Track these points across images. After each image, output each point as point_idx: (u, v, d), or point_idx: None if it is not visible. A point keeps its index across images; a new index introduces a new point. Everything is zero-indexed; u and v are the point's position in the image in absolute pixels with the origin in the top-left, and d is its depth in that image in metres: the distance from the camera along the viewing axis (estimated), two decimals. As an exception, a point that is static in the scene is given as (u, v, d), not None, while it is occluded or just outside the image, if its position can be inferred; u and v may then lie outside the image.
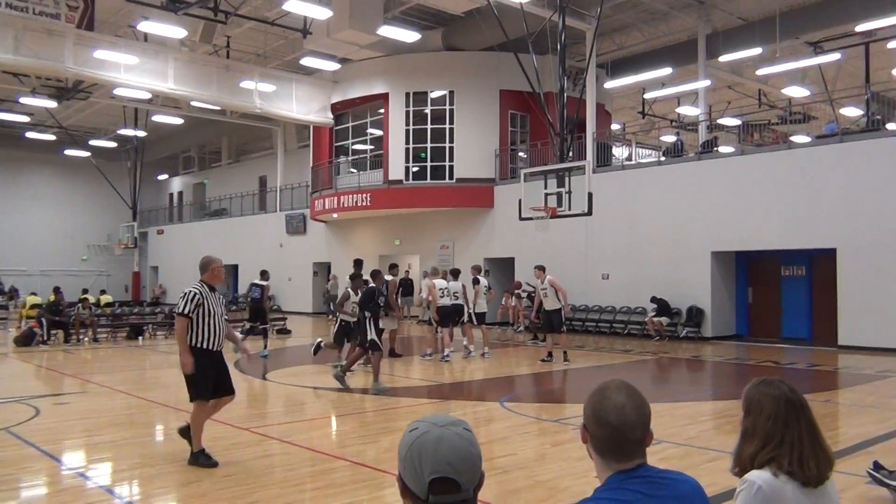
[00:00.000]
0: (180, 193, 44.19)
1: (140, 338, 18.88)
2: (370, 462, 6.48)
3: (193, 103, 26.66)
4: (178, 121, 31.83)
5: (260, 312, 15.41)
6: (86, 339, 18.27)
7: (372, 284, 10.66)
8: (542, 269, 13.85)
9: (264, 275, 15.75)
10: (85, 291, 22.22)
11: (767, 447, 2.26)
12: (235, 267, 35.00)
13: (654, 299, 18.34)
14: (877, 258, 15.39)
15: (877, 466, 5.43)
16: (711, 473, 5.86)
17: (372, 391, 10.13)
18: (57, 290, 19.48)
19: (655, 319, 18.24)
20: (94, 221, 42.15)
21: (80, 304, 18.48)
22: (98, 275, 41.88)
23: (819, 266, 17.32)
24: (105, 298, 22.80)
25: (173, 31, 19.49)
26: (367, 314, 10.29)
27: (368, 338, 10.24)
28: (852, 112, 25.38)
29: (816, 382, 11.89)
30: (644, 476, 1.93)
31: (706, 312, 18.18)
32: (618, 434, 1.92)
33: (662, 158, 22.03)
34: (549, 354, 13.77)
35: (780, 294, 18.32)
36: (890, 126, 17.97)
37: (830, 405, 9.67)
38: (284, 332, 20.49)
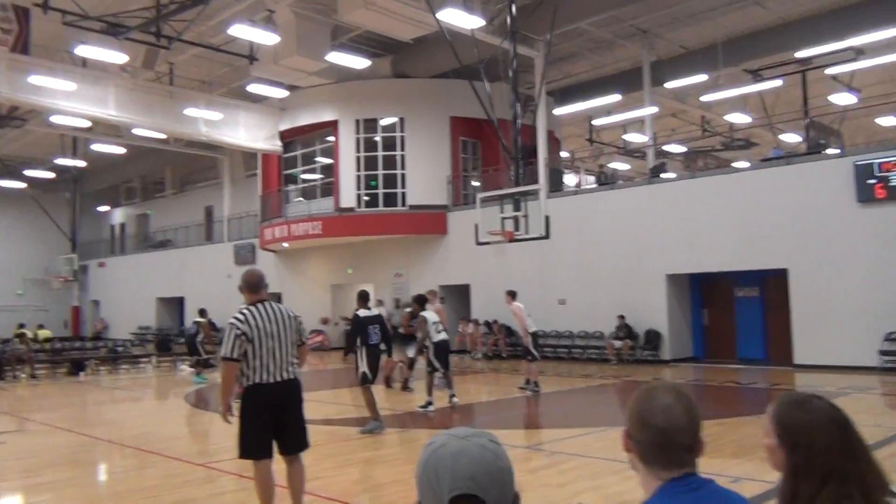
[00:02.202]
0: (122, 225, 42.90)
1: (81, 373, 17.99)
2: (337, 495, 6.10)
3: (135, 131, 25.91)
4: (120, 150, 30.91)
5: (193, 347, 16.54)
6: (23, 375, 17.31)
7: (369, 313, 9.48)
8: (510, 294, 13.35)
9: (202, 313, 16.97)
10: (21, 326, 21.21)
11: (829, 486, 1.83)
12: (181, 300, 33.99)
13: (620, 318, 18.28)
14: (827, 277, 15.64)
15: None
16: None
17: (364, 430, 9.10)
18: (-10, 327, 18.48)
19: (618, 343, 18.18)
20: (31, 254, 40.46)
21: (16, 339, 17.53)
22: (35, 309, 40.05)
23: (771, 286, 17.54)
24: (43, 333, 21.75)
25: (114, 56, 18.87)
26: (359, 343, 9.18)
27: (360, 370, 9.14)
28: (792, 138, 26.15)
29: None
30: (695, 487, 1.74)
31: (663, 335, 18.22)
32: (665, 438, 1.73)
33: (599, 185, 22.24)
34: (527, 381, 13.20)
35: (735, 315, 18.48)
36: (830, 151, 18.46)
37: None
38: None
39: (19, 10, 17.54)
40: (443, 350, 11.07)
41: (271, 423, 4.82)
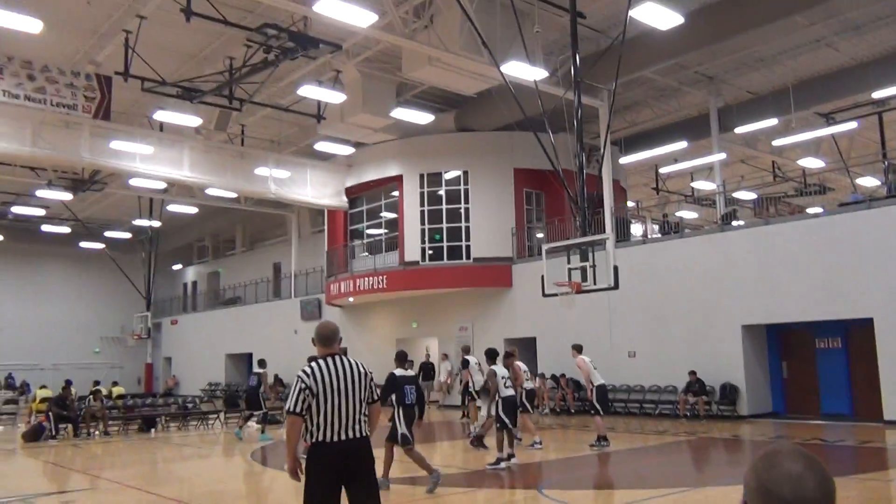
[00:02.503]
0: (194, 283, 44.08)
1: (152, 430, 18.23)
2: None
3: (208, 191, 26.75)
4: (193, 210, 31.94)
5: (254, 399, 16.27)
6: (96, 432, 17.65)
7: (405, 373, 9.57)
8: (575, 348, 13.23)
9: (262, 363, 16.92)
10: (97, 383, 21.72)
11: None
12: (249, 355, 34.43)
13: (692, 374, 17.58)
14: (917, 327, 14.75)
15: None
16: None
17: (430, 489, 8.84)
18: (67, 384, 18.97)
19: (692, 399, 17.45)
20: (108, 313, 41.90)
21: (91, 396, 17.93)
22: (111, 367, 41.30)
23: (856, 337, 16.65)
24: (117, 390, 22.23)
25: (188, 119, 19.64)
26: (397, 404, 9.17)
27: (400, 432, 9.07)
28: (870, 182, 25.17)
29: (871, 461, 11.13)
30: None
31: (740, 389, 17.41)
32: None
33: (662, 234, 21.74)
34: (597, 438, 12.69)
35: (817, 367, 17.56)
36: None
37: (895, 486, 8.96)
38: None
39: (102, 78, 18.43)
40: (511, 405, 10.88)
41: (337, 483, 4.54)
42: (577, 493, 8.94)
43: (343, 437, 4.53)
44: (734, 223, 19.62)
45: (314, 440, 4.54)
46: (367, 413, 4.69)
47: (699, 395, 17.44)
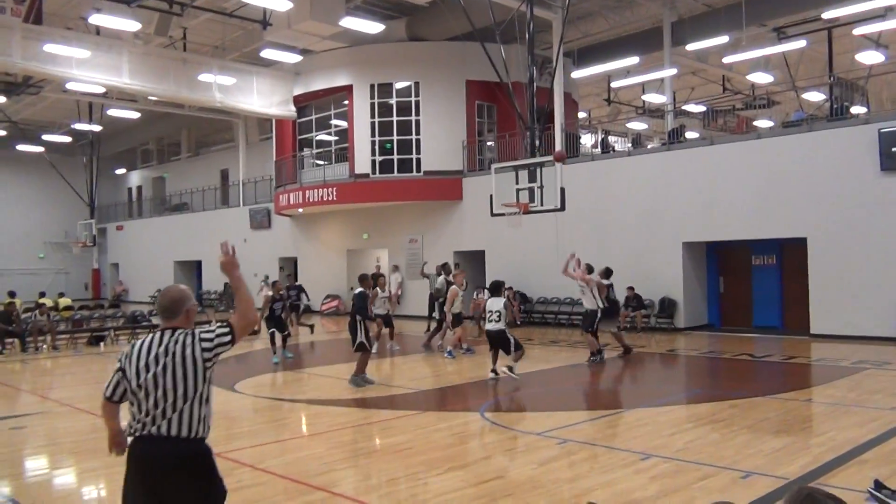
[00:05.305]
0: (139, 188, 43.16)
1: (101, 343, 18.25)
2: (350, 493, 6.17)
3: (150, 97, 25.83)
4: (135, 115, 30.88)
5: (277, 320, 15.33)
6: (44, 346, 17.61)
7: (360, 289, 11.55)
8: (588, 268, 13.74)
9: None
10: (42, 295, 21.47)
11: None
12: (199, 262, 34.25)
13: (630, 289, 18.19)
14: (846, 246, 15.43)
15: (878, 486, 5.26)
16: (707, 495, 5.66)
17: (350, 383, 11.16)
18: (11, 297, 18.73)
19: (632, 313, 18.12)
20: (51, 218, 40.93)
21: (37, 311, 17.76)
22: (56, 273, 40.74)
23: (789, 255, 17.35)
24: (63, 301, 21.97)
25: (127, 24, 18.71)
26: (359, 317, 11.15)
27: (358, 340, 11.04)
28: (815, 97, 25.55)
29: (794, 378, 11.85)
30: None
31: (678, 303, 18.13)
32: None
33: (630, 148, 21.96)
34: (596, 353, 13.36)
35: (752, 283, 18.34)
36: (854, 110, 18.04)
37: (813, 405, 9.60)
38: (252, 332, 19.73)
39: (30, -21, 17.36)
40: (490, 338, 11.70)
41: (149, 496, 3.43)
42: (514, 415, 9.39)
43: (154, 432, 3.44)
44: (682, 138, 19.86)
45: (130, 435, 3.56)
46: (192, 409, 3.48)
47: (637, 310, 18.10)
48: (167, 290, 3.74)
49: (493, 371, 11.64)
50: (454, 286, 14.97)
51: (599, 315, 13.27)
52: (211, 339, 3.54)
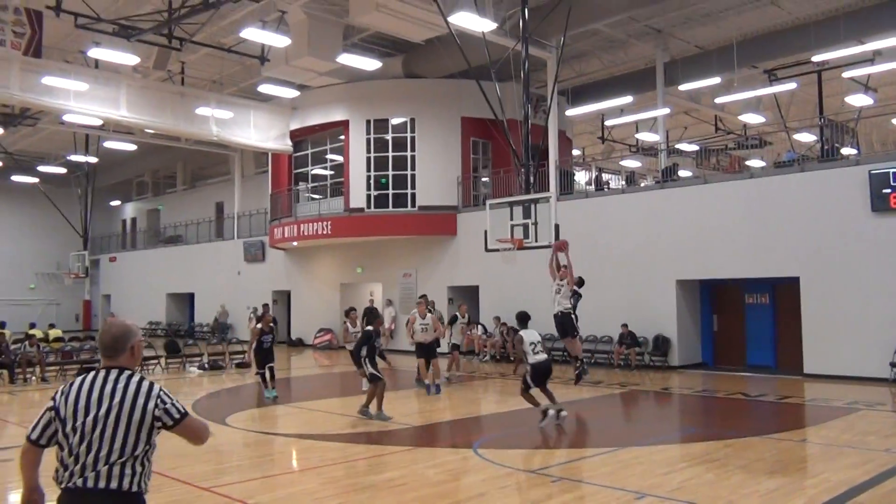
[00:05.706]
0: (133, 220, 43.16)
1: (91, 376, 18.05)
2: (341, 529, 6.09)
3: (147, 130, 25.97)
4: (131, 147, 31.00)
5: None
6: (33, 378, 17.43)
7: (369, 328, 11.53)
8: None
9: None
10: (32, 326, 21.33)
11: None
12: (192, 295, 34.13)
13: (624, 326, 18.21)
14: (839, 286, 15.49)
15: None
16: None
17: (376, 418, 11.14)
18: (1, 327, 18.57)
19: (626, 350, 18.09)
20: (43, 249, 40.84)
21: (26, 342, 17.62)
22: (47, 304, 40.53)
23: (782, 294, 17.40)
24: (54, 333, 21.81)
25: (125, 57, 18.87)
26: (364, 353, 11.28)
27: (368, 372, 11.26)
28: (806, 137, 25.86)
29: (787, 418, 11.80)
30: None
31: (672, 341, 18.11)
32: None
33: (624, 185, 22.13)
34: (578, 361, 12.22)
35: (745, 322, 18.36)
36: (844, 151, 18.25)
37: (808, 446, 9.55)
38: (243, 365, 19.53)
39: (32, 13, 17.56)
40: (540, 372, 10.47)
41: None
42: (511, 452, 9.31)
43: (83, 484, 3.07)
44: (675, 176, 20.03)
45: (58, 484, 3.17)
46: (132, 465, 3.13)
47: (632, 347, 18.08)
48: (108, 325, 3.36)
49: (544, 412, 10.51)
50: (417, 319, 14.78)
51: (574, 315, 11.97)
52: (166, 402, 3.21)
